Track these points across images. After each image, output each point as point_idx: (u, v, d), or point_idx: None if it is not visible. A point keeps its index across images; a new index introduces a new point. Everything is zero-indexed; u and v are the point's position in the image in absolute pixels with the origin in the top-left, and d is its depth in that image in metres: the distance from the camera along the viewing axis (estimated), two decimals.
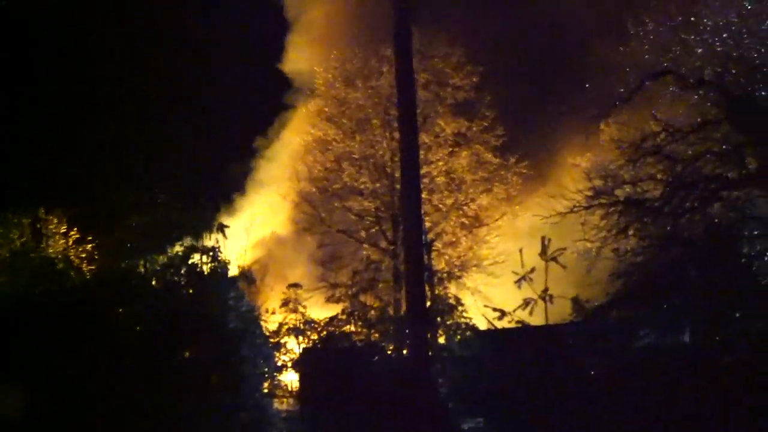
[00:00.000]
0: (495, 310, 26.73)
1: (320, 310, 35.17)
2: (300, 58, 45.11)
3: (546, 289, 26.02)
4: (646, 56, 30.92)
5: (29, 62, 46.43)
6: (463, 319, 28.53)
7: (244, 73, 49.35)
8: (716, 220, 27.61)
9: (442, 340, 28.61)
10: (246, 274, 32.75)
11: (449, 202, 38.28)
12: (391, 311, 33.03)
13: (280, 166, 43.55)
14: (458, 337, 28.35)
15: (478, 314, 29.09)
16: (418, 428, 25.08)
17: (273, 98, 47.88)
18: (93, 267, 36.56)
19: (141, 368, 29.71)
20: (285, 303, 32.81)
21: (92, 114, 46.34)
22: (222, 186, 47.32)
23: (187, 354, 31.23)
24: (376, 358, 29.59)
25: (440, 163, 37.95)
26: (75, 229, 39.27)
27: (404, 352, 30.16)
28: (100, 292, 32.80)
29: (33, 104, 46.31)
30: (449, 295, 29.89)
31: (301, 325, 32.78)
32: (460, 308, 28.80)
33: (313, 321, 32.59)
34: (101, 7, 46.87)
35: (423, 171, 34.12)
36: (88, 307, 31.92)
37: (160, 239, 34.05)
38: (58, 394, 30.47)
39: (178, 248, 32.31)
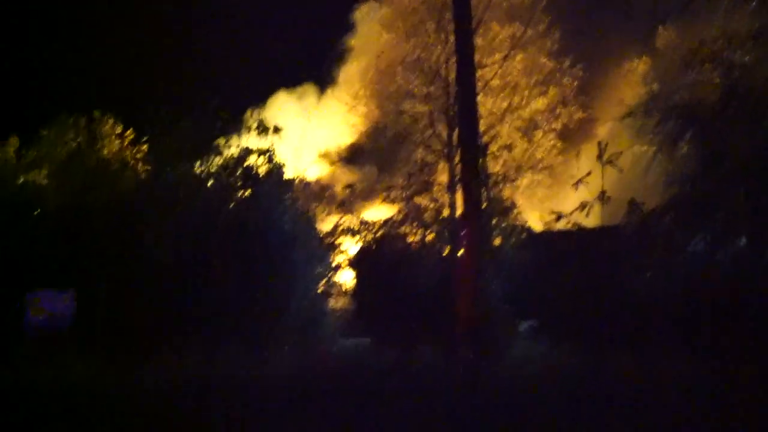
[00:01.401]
0: (551, 212, 26.84)
1: (375, 212, 35.75)
2: None
3: (603, 192, 26.10)
4: None
5: None
6: (518, 222, 28.43)
7: None
8: None
9: (497, 242, 28.56)
10: (302, 177, 33.26)
11: (504, 105, 38.21)
12: (445, 213, 32.92)
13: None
14: (513, 239, 28.24)
15: (533, 217, 29.19)
16: (471, 329, 24.76)
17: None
18: (148, 168, 36.74)
19: (195, 270, 30.40)
20: (341, 204, 33.12)
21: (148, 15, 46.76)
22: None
23: (241, 256, 31.48)
24: (432, 260, 29.89)
25: (495, 67, 37.61)
26: (130, 129, 39.75)
27: (459, 253, 29.20)
28: (155, 194, 33.03)
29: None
30: (504, 197, 29.68)
31: (356, 225, 33.09)
32: (515, 210, 28.73)
33: (368, 222, 32.80)
34: None
35: (477, 75, 31.81)
36: (142, 208, 32.45)
37: (213, 141, 34.28)
38: (112, 299, 31.17)
39: (234, 150, 32.53)
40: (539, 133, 38.93)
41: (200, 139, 34.07)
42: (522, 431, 17.48)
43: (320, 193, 36.50)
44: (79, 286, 31.67)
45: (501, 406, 20.14)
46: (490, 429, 17.93)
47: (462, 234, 27.37)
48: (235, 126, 34.27)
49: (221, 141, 33.17)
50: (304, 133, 37.48)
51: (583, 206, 26.17)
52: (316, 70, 46.88)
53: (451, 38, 32.91)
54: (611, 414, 18.15)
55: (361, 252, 32.44)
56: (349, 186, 34.25)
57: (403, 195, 33.45)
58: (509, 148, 38.51)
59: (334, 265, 33.46)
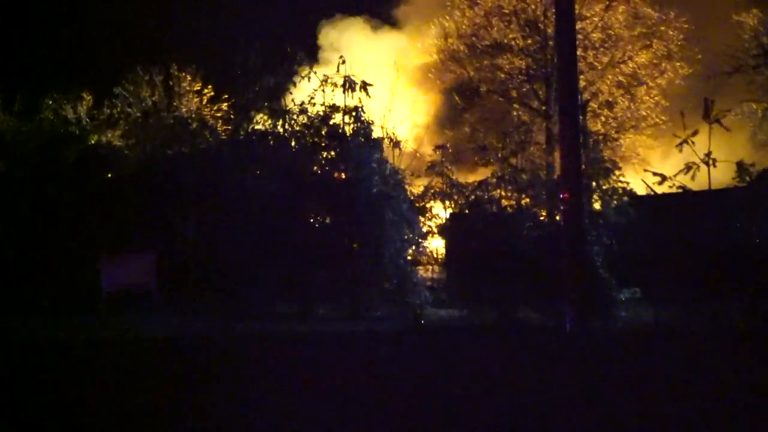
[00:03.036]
0: (655, 174, 26.48)
1: (468, 174, 35.35)
2: None
3: (709, 153, 25.52)
4: None
5: None
6: (620, 184, 28.01)
7: None
8: None
9: (597, 206, 28.26)
10: (391, 136, 33.12)
11: (605, 59, 37.71)
12: (543, 175, 32.18)
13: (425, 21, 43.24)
14: (614, 202, 27.88)
15: (636, 179, 28.81)
16: (573, 300, 24.95)
17: None
18: (229, 127, 37.04)
19: (276, 234, 30.96)
20: (431, 166, 32.62)
21: None
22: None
23: (327, 219, 32.31)
24: (528, 224, 29.66)
25: (595, 19, 37.33)
26: (209, 87, 40.19)
27: (557, 218, 29.45)
28: (236, 154, 33.65)
29: None
30: (605, 158, 29.24)
31: (448, 189, 32.46)
32: (617, 172, 28.29)
33: (460, 184, 32.29)
34: None
35: (577, 27, 33.23)
36: (225, 168, 33.07)
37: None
38: (197, 256, 31.73)
39: (319, 108, 32.46)
40: (642, 90, 38.22)
41: (282, 95, 34.41)
42: (630, 380, 17.49)
43: (411, 153, 36.06)
44: (162, 245, 32.45)
45: (605, 357, 20.67)
46: (597, 377, 18.04)
47: (561, 197, 27.41)
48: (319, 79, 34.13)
49: (306, 98, 32.95)
50: (393, 89, 36.83)
51: (688, 168, 25.77)
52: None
53: None
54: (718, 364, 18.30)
55: (453, 217, 32.13)
56: (440, 146, 33.15)
57: (498, 156, 32.51)
58: (610, 105, 38.10)
59: (424, 230, 33.23)
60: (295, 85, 34.17)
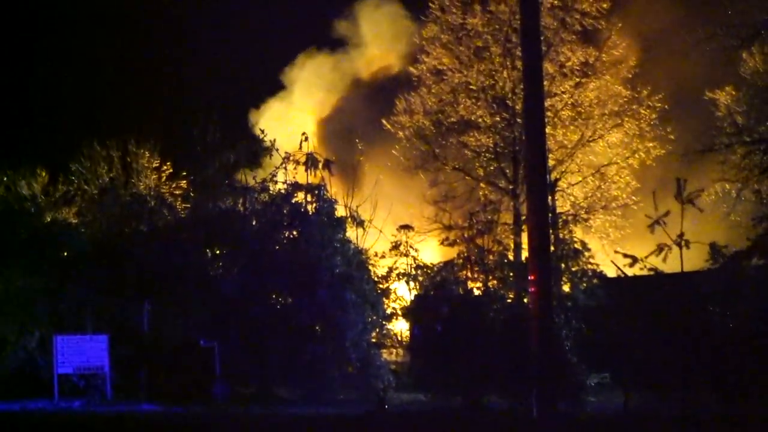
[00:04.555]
0: (625, 256, 26.72)
1: (433, 254, 35.96)
2: None
3: (681, 234, 25.53)
4: None
5: None
6: (589, 266, 28.50)
7: None
8: None
9: (566, 288, 28.63)
10: (353, 215, 33.66)
11: (575, 138, 38.34)
12: (510, 256, 32.69)
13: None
14: (584, 284, 28.28)
15: (606, 261, 29.20)
16: (540, 385, 25.21)
17: None
18: (188, 205, 37.77)
19: (235, 314, 31.36)
20: (395, 246, 33.17)
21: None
22: None
23: (288, 300, 32.53)
24: (495, 306, 29.93)
25: (565, 96, 38.01)
26: (168, 164, 40.60)
27: (525, 300, 29.71)
28: (195, 232, 34.00)
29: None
30: (575, 239, 29.67)
31: (413, 270, 32.98)
32: (586, 254, 28.74)
33: (425, 266, 32.73)
34: None
35: (547, 104, 33.59)
36: (181, 248, 33.26)
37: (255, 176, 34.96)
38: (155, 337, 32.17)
39: (280, 186, 33.09)
40: (613, 169, 38.69)
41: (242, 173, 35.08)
42: None
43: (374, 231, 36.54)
44: (116, 327, 32.55)
45: None
46: None
47: (529, 279, 27.70)
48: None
49: (268, 176, 33.75)
50: (356, 165, 37.76)
51: (660, 249, 25.98)
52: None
53: (518, 64, 33.70)
54: None
55: (418, 298, 32.45)
56: (405, 226, 33.99)
57: (464, 236, 32.68)
58: (580, 185, 38.42)
59: (388, 312, 33.49)
60: (259, 165, 34.73)
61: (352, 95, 51.71)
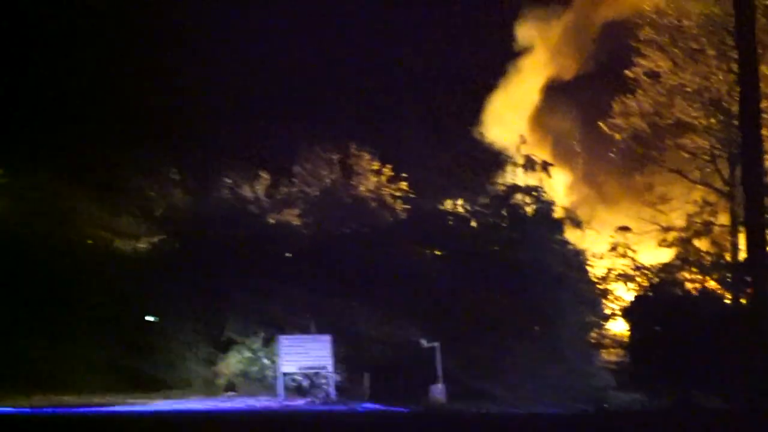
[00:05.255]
0: None
1: (650, 255, 36.06)
2: None
3: None
4: None
5: None
6: None
7: None
8: None
9: None
10: (571, 216, 34.57)
11: None
12: (727, 257, 33.36)
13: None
14: None
15: None
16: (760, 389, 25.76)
17: None
18: (407, 207, 39.21)
19: (451, 313, 32.59)
20: (613, 247, 33.86)
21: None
22: None
23: (505, 301, 33.03)
24: (714, 308, 30.63)
25: None
26: (389, 166, 41.90)
27: (742, 301, 30.65)
28: (414, 234, 35.71)
29: None
30: None
31: (631, 270, 33.66)
32: None
33: (643, 267, 33.34)
34: None
35: (763, 105, 33.38)
36: (401, 249, 35.08)
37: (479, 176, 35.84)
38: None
39: (500, 187, 34.51)
40: None
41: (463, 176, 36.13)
42: None
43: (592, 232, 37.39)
44: (336, 326, 33.77)
45: None
46: None
47: (746, 280, 28.12)
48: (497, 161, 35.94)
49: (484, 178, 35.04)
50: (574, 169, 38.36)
51: None
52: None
53: (733, 66, 33.75)
54: None
55: (637, 300, 33.12)
56: (623, 228, 34.82)
57: (682, 237, 34.02)
58: None
59: (606, 312, 34.15)
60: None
61: (550, 98, 51.84)
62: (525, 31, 50.11)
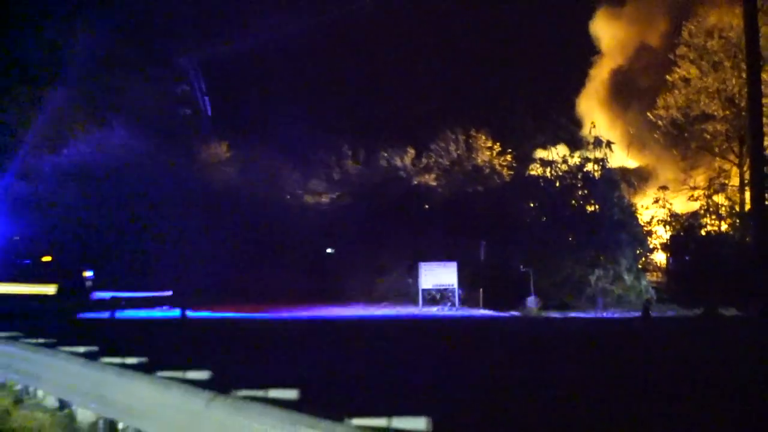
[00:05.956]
0: None
1: (682, 206, 43.67)
2: None
3: None
4: None
5: None
6: None
7: None
8: None
9: None
10: (627, 179, 43.68)
11: None
12: (737, 208, 40.73)
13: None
14: None
15: None
16: (759, 297, 32.51)
17: None
18: (511, 173, 48.98)
19: (543, 251, 39.81)
20: (656, 201, 42.35)
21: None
22: None
23: (580, 239, 40.81)
24: (726, 243, 38.25)
25: None
26: (498, 144, 52.18)
27: (747, 239, 38.31)
28: (515, 192, 44.96)
29: None
30: None
31: (668, 217, 42.04)
32: None
33: (677, 214, 41.33)
34: None
35: (765, 100, 39.71)
36: (506, 202, 43.83)
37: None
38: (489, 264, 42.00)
39: (577, 159, 42.98)
40: None
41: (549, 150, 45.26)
42: None
43: (640, 188, 45.68)
44: (461, 258, 41.22)
45: None
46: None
47: (751, 224, 36.07)
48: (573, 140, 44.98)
49: (567, 152, 43.67)
50: (629, 146, 47.54)
51: None
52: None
53: (744, 73, 40.06)
54: None
55: (672, 238, 41.04)
56: (663, 187, 42.43)
57: (705, 194, 41.63)
58: None
59: (651, 247, 41.92)
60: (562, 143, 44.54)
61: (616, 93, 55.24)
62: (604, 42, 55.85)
